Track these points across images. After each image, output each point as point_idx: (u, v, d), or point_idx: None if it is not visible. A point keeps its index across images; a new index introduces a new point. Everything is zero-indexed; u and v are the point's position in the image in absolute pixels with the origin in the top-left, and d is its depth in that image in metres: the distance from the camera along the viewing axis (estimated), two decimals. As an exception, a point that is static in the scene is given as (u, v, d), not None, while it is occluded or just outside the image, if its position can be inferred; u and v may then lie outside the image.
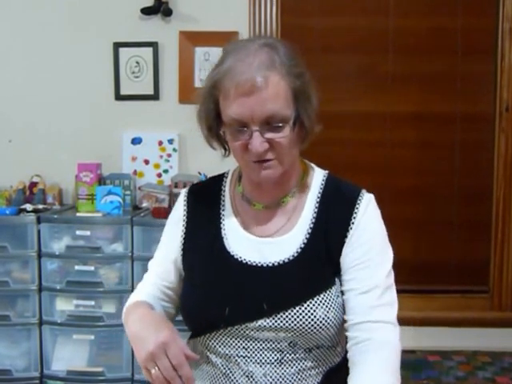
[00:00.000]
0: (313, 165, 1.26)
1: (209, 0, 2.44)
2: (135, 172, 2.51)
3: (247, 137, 1.08)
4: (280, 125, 1.08)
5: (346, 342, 1.14)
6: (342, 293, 1.14)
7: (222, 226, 1.20)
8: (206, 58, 2.42)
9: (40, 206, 2.40)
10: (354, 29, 2.46)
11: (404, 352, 2.45)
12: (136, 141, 2.49)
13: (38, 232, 2.31)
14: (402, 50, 2.47)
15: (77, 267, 2.29)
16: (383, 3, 2.45)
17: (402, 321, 2.47)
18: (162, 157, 2.48)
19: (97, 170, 2.44)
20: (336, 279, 1.14)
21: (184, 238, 1.23)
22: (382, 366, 1.06)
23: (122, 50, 2.48)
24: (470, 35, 2.46)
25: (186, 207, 1.24)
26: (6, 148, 2.55)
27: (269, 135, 1.08)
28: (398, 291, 2.54)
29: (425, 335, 2.52)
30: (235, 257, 1.16)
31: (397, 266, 2.49)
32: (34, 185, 2.49)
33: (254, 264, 1.15)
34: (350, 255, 1.14)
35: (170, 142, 2.45)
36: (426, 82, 2.47)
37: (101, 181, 2.44)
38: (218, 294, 1.14)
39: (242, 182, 1.23)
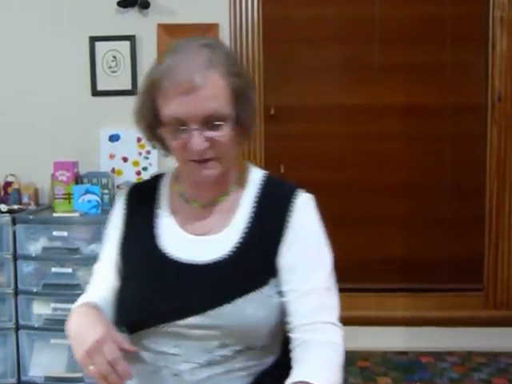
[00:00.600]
0: (250, 164, 1.28)
1: (187, -9, 2.43)
2: (113, 170, 2.48)
3: (187, 136, 1.11)
4: (219, 123, 1.12)
5: (285, 344, 1.16)
6: (281, 294, 1.16)
7: (155, 224, 1.22)
8: (186, 52, 2.42)
9: (15, 207, 2.38)
10: (338, 18, 2.44)
11: (396, 353, 2.46)
12: (114, 138, 2.47)
13: (14, 233, 2.29)
14: (389, 40, 2.45)
15: (54, 269, 2.27)
16: (369, -9, 2.43)
17: (394, 320, 2.48)
18: (140, 154, 2.46)
19: (73, 169, 2.41)
20: (271, 279, 1.16)
21: (122, 238, 1.25)
22: (323, 364, 1.08)
23: (98, 44, 2.46)
24: (460, 23, 2.44)
25: (125, 207, 1.27)
26: None
27: (208, 134, 1.11)
28: (389, 290, 2.53)
29: (417, 335, 2.51)
30: (168, 255, 1.19)
31: (387, 265, 2.51)
32: (8, 184, 2.47)
33: (187, 262, 1.17)
34: (287, 257, 1.16)
35: (150, 138, 2.44)
36: (414, 72, 2.45)
37: (78, 179, 2.41)
38: (150, 293, 1.16)
39: (180, 181, 1.26)
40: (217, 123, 1.12)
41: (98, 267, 1.30)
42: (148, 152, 2.45)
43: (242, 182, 1.24)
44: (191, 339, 1.14)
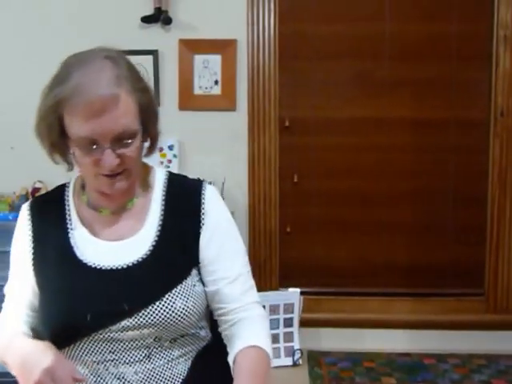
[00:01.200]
0: (150, 164, 1.33)
1: (208, 9, 2.55)
2: (136, 178, 2.63)
3: (98, 153, 1.13)
4: (130, 141, 1.15)
5: (213, 327, 1.29)
6: (206, 283, 1.25)
7: (69, 236, 1.24)
8: (205, 66, 2.55)
9: None
10: (350, 35, 2.56)
11: (400, 355, 2.60)
12: (136, 147, 2.62)
13: (40, 237, 2.47)
14: (398, 56, 2.57)
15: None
16: (379, 9, 2.55)
17: (397, 324, 2.64)
18: (162, 163, 2.59)
19: None
20: (192, 270, 1.23)
21: (33, 255, 1.25)
22: (262, 333, 1.23)
23: None
24: (465, 41, 2.56)
25: (30, 222, 1.28)
26: (8, 155, 2.68)
27: (120, 151, 1.14)
28: (394, 294, 2.68)
29: (420, 338, 2.64)
30: (88, 264, 1.21)
31: (392, 270, 2.67)
32: (36, 190, 2.59)
33: (109, 268, 1.20)
34: (209, 248, 1.24)
35: (171, 148, 2.57)
36: (421, 87, 2.57)
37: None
38: (77, 303, 1.18)
39: (86, 191, 1.28)
40: (127, 141, 1.14)
41: (10, 288, 1.29)
42: (169, 161, 2.59)
43: (147, 183, 1.28)
44: (126, 341, 1.18)
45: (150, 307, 1.17)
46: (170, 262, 1.22)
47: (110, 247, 1.23)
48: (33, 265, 1.25)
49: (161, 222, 1.24)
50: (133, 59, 2.46)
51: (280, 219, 2.61)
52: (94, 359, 1.19)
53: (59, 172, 2.57)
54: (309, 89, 2.60)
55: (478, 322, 2.60)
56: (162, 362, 1.21)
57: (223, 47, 2.52)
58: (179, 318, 1.18)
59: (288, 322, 2.49)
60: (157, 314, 1.17)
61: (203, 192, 1.27)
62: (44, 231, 1.26)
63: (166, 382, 1.21)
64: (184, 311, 1.18)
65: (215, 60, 2.52)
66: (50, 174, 2.58)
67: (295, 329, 2.54)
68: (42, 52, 2.64)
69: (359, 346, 2.66)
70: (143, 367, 1.19)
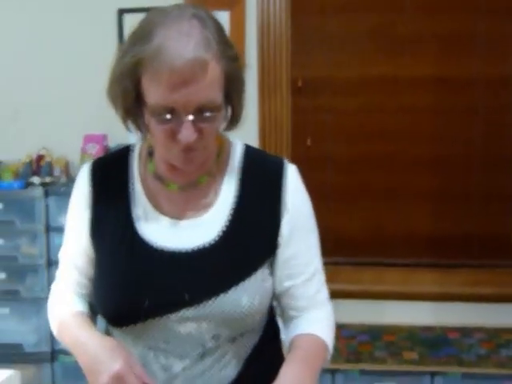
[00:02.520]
0: (228, 137, 1.23)
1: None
2: (142, 143, 2.65)
3: (176, 125, 1.05)
4: (212, 114, 1.06)
5: (270, 323, 1.24)
6: (281, 278, 1.18)
7: (131, 209, 1.17)
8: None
9: (47, 180, 2.56)
10: (367, -15, 2.48)
11: (422, 328, 2.58)
12: (143, 111, 2.63)
13: (46, 206, 2.49)
14: (419, 8, 2.50)
15: (84, 241, 2.47)
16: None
17: (421, 296, 2.61)
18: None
19: (103, 142, 2.58)
20: (265, 262, 1.16)
21: (91, 222, 1.19)
22: (329, 329, 1.19)
23: (127, 17, 2.57)
24: (494, -8, 2.46)
25: (91, 186, 1.20)
26: (11, 121, 2.71)
27: (200, 125, 1.06)
28: (417, 265, 2.65)
29: (444, 311, 2.61)
30: (150, 243, 1.14)
31: (415, 239, 2.63)
32: (40, 158, 2.63)
33: (171, 250, 1.14)
34: (290, 240, 1.16)
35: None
36: (445, 42, 2.50)
37: (107, 152, 2.52)
38: (135, 286, 1.13)
39: (153, 160, 1.20)
40: (210, 114, 1.06)
41: (65, 257, 1.24)
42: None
43: (222, 159, 1.19)
44: (182, 332, 1.13)
45: (213, 299, 1.10)
46: (241, 251, 1.14)
47: (175, 226, 1.15)
48: (90, 234, 1.19)
49: (234, 204, 1.15)
50: (138, 17, 2.57)
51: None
52: (146, 345, 1.15)
53: (64, 139, 2.69)
54: (323, 46, 2.56)
55: (505, 295, 2.56)
56: (213, 363, 1.15)
57: (231, 3, 2.49)
58: (243, 316, 1.11)
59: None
60: (219, 308, 1.10)
61: (285, 173, 1.17)
62: (104, 197, 1.19)
63: (213, 383, 1.17)
64: (249, 308, 1.11)
65: (223, 16, 2.49)
66: (54, 140, 2.73)
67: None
68: (44, 13, 2.65)
69: (379, 319, 2.64)
70: (193, 365, 1.14)
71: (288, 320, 1.22)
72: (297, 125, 2.58)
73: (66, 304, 1.22)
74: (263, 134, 2.56)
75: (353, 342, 2.51)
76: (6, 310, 2.57)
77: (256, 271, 1.13)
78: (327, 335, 1.18)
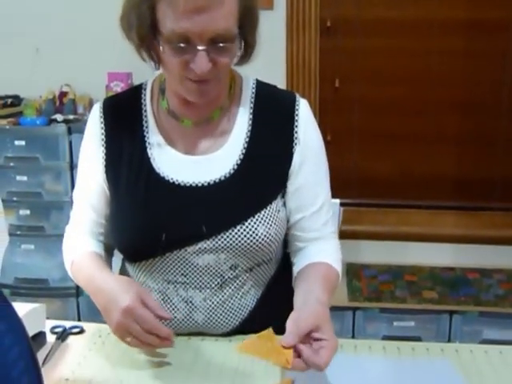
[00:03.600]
0: (239, 72, 1.25)
1: None
2: (166, 80, 2.69)
3: (190, 55, 1.05)
4: (227, 45, 1.06)
5: (286, 253, 1.29)
6: (291, 209, 1.22)
7: (146, 145, 1.19)
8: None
9: (71, 117, 2.60)
10: None
11: (443, 269, 2.70)
12: (167, 48, 2.66)
13: (70, 143, 2.54)
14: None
15: (108, 178, 2.54)
16: None
17: (443, 238, 2.73)
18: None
19: (127, 80, 2.62)
20: (279, 193, 1.20)
21: (106, 160, 1.21)
22: (337, 258, 1.22)
23: None
24: None
25: (103, 125, 1.22)
26: (33, 57, 2.73)
27: (214, 55, 1.06)
28: (440, 207, 2.74)
29: (465, 252, 2.72)
30: (166, 178, 1.17)
31: (439, 182, 2.72)
32: (63, 94, 2.68)
33: (188, 185, 1.17)
34: (300, 172, 1.19)
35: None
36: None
37: None
38: (152, 221, 1.16)
39: (166, 96, 1.21)
40: (224, 45, 1.06)
41: (79, 195, 1.26)
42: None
43: (234, 94, 1.21)
44: (200, 266, 1.17)
45: (230, 231, 1.14)
46: (255, 184, 1.17)
47: (190, 162, 1.18)
48: (105, 172, 1.21)
49: (248, 138, 1.19)
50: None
51: (320, 127, 2.65)
52: (165, 278, 1.20)
53: (88, 77, 2.73)
54: (353, -15, 2.54)
55: (526, 238, 2.65)
56: (233, 292, 1.20)
57: None
58: (260, 245, 1.16)
59: (326, 234, 2.61)
60: (236, 239, 1.14)
61: (297, 108, 1.20)
62: (118, 135, 1.21)
63: (234, 312, 1.22)
64: (266, 238, 1.16)
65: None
66: (77, 77, 2.77)
67: (334, 241, 2.66)
68: None
69: (401, 260, 2.76)
70: (213, 295, 1.19)
71: (296, 251, 1.26)
72: (325, 66, 2.60)
73: (79, 245, 1.23)
74: (291, 74, 2.59)
75: (374, 281, 2.62)
76: (31, 246, 2.68)
77: (271, 202, 1.18)
78: (338, 265, 1.20)
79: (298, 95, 1.23)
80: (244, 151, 1.18)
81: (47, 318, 1.22)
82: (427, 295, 2.51)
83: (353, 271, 2.71)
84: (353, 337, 2.47)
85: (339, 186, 2.64)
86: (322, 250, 1.22)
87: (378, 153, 2.71)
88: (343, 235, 2.65)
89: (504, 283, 2.60)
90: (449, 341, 2.39)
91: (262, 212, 1.16)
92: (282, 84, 2.60)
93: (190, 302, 1.20)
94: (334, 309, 2.40)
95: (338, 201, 2.60)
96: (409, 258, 2.75)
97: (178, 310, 1.21)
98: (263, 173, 1.18)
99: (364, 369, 1.11)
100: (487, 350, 1.17)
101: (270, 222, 1.17)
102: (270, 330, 1.00)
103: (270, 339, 0.99)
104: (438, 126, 2.66)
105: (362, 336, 2.48)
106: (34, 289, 2.67)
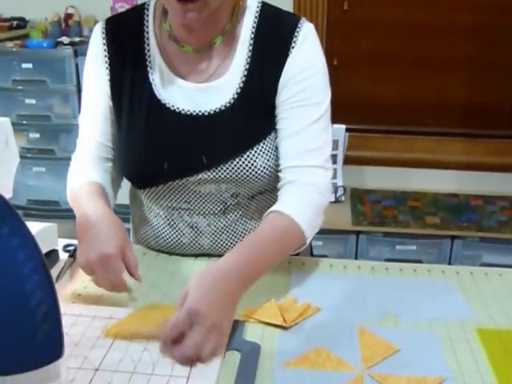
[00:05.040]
0: None
1: None
2: (173, 3, 2.63)
3: None
4: None
5: None
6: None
7: (148, 69, 1.17)
8: None
9: (76, 39, 2.57)
10: None
11: (446, 195, 2.72)
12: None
13: (76, 65, 2.51)
14: None
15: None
16: None
17: (448, 164, 2.72)
18: None
19: (132, 1, 2.57)
20: (274, 122, 1.15)
21: (110, 80, 1.18)
22: (305, 202, 1.10)
23: None
24: None
25: (106, 44, 1.18)
26: None
27: None
28: (447, 134, 2.73)
29: (469, 179, 2.73)
30: (167, 106, 1.15)
31: (444, 108, 2.69)
32: (69, 16, 2.63)
33: (189, 113, 1.14)
34: (285, 91, 1.12)
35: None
36: None
37: None
38: (155, 149, 1.15)
39: (168, 19, 1.16)
40: None
41: (85, 119, 1.21)
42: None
43: (236, 19, 1.16)
44: (202, 193, 1.18)
45: (230, 162, 1.13)
46: (254, 114, 1.14)
47: (191, 89, 1.15)
48: (111, 95, 1.18)
49: (247, 66, 1.14)
50: None
51: (326, 51, 2.58)
52: (170, 205, 1.20)
53: None
54: None
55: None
56: (236, 217, 1.21)
57: None
58: (259, 177, 1.15)
59: (332, 159, 2.60)
60: (236, 171, 1.13)
61: (298, 29, 1.13)
62: (120, 56, 1.17)
63: (239, 236, 1.23)
64: (264, 170, 1.14)
65: None
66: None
67: (339, 166, 2.67)
68: None
69: (405, 186, 2.77)
70: (217, 220, 1.20)
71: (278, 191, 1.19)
72: (333, -13, 2.50)
73: (83, 174, 1.19)
74: (298, -4, 2.50)
75: (378, 206, 2.65)
76: (42, 169, 2.71)
77: (270, 133, 1.15)
78: (297, 212, 1.08)
79: (303, 19, 1.16)
80: (244, 79, 1.14)
81: (59, 238, 1.24)
82: (430, 220, 2.53)
83: (357, 196, 2.72)
84: (356, 260, 2.51)
85: (345, 112, 2.67)
86: (290, 197, 1.12)
87: (385, 77, 2.67)
88: (348, 161, 2.69)
89: (507, 210, 2.61)
90: (449, 265, 2.43)
91: (261, 144, 1.14)
92: (289, 7, 2.54)
93: (195, 227, 1.21)
94: (338, 232, 2.48)
95: (343, 126, 2.61)
96: (413, 183, 2.77)
97: (183, 235, 1.23)
98: (262, 102, 1.14)
99: (366, 286, 1.13)
100: (487, 272, 1.19)
101: (269, 154, 1.15)
102: (272, 301, 1.03)
103: (271, 306, 1.02)
104: (447, 50, 2.61)
105: (364, 259, 2.52)
106: (46, 210, 2.72)
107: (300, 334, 0.97)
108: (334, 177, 2.61)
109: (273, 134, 1.16)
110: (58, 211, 2.69)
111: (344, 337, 0.96)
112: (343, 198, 2.64)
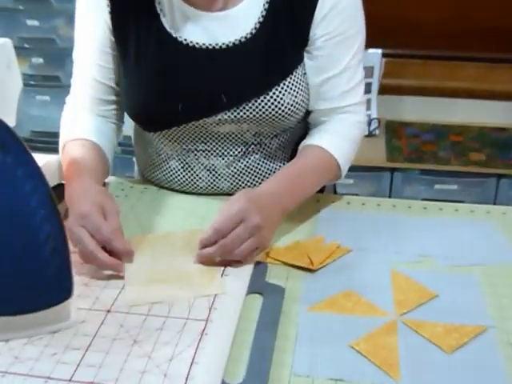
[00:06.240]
0: None
1: None
2: None
3: None
4: None
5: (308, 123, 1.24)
6: (311, 72, 1.15)
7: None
8: None
9: None
10: None
11: (493, 129, 2.67)
12: None
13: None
14: None
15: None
16: None
17: (495, 94, 2.66)
18: None
19: None
20: (304, 55, 1.14)
21: (111, 13, 1.13)
22: (339, 136, 1.17)
23: None
24: None
25: None
26: None
27: None
28: (495, 60, 2.67)
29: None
30: (179, 39, 1.11)
31: (492, 31, 2.62)
32: None
33: (204, 47, 1.11)
34: (322, 25, 1.10)
35: None
36: None
37: None
38: (166, 88, 1.12)
39: None
40: None
41: (81, 54, 1.18)
42: None
43: None
44: (222, 134, 1.17)
45: (253, 101, 1.11)
46: (280, 46, 1.11)
47: (204, 19, 1.11)
48: (112, 27, 1.13)
49: None
50: None
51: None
52: (184, 147, 1.19)
53: None
54: None
55: None
56: (257, 158, 1.21)
57: None
58: (286, 115, 1.13)
59: (366, 88, 2.56)
60: (260, 110, 1.11)
61: None
62: None
63: (261, 177, 1.23)
64: (292, 107, 1.13)
65: None
66: None
67: (373, 96, 2.63)
68: None
69: (446, 118, 2.73)
70: (237, 161, 1.20)
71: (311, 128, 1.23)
72: None
73: (77, 125, 1.17)
74: None
75: (416, 140, 2.62)
76: (46, 98, 2.71)
77: (296, 68, 1.13)
78: (340, 150, 1.15)
79: None
80: (267, 5, 1.10)
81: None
82: (474, 157, 2.51)
83: (393, 129, 2.70)
84: (390, 198, 2.50)
85: (381, 35, 2.60)
86: (326, 131, 1.18)
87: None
88: (384, 90, 2.65)
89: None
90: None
91: (288, 79, 1.12)
92: None
93: (213, 169, 1.21)
94: (371, 169, 2.47)
95: (379, 51, 2.56)
96: (455, 116, 2.72)
97: (200, 178, 1.22)
98: (287, 32, 1.10)
99: (401, 226, 1.13)
100: (537, 213, 1.18)
101: (297, 89, 1.13)
102: (298, 241, 1.05)
103: (296, 248, 1.04)
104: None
105: (399, 198, 2.51)
106: (51, 143, 2.70)
107: (328, 277, 0.98)
108: (368, 108, 2.58)
109: (300, 67, 1.14)
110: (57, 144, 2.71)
111: (376, 280, 0.97)
112: (377, 132, 2.62)
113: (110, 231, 0.93)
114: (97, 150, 1.15)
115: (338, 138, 1.17)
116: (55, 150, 1.20)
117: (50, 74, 2.66)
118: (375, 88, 2.60)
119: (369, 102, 2.59)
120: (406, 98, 2.74)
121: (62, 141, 1.18)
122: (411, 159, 2.49)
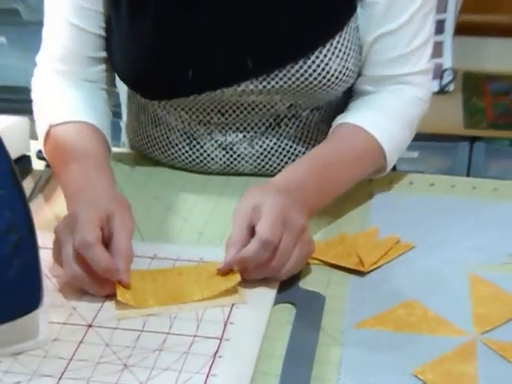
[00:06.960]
0: None
1: None
2: None
3: None
4: None
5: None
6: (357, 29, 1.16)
7: None
8: None
9: None
10: None
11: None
12: None
13: None
14: None
15: None
16: None
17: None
18: None
19: None
20: (356, 9, 1.14)
21: None
22: (393, 114, 1.17)
23: None
24: None
25: None
26: None
27: None
28: None
29: None
30: None
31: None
32: None
33: None
34: None
35: None
36: None
37: None
38: (172, 49, 1.13)
39: None
40: None
41: (56, 7, 1.17)
42: None
43: None
44: (245, 104, 1.18)
45: (289, 67, 1.11)
46: None
47: None
48: None
49: None
50: None
51: None
52: (194, 118, 1.20)
53: None
54: None
55: None
56: (290, 134, 1.23)
57: None
58: (332, 85, 1.14)
59: (437, 27, 2.52)
60: (298, 79, 1.12)
61: None
62: None
63: (292, 156, 1.25)
64: (341, 75, 1.14)
65: None
66: None
67: (448, 37, 2.59)
68: None
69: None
70: (264, 138, 1.22)
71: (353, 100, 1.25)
72: None
73: (62, 101, 1.18)
74: None
75: (505, 99, 2.61)
76: (2, 39, 2.73)
77: (347, 24, 1.14)
78: (387, 133, 1.15)
79: None
80: None
81: (32, 139, 1.25)
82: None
83: (473, 84, 2.68)
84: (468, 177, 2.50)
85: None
86: (371, 108, 1.18)
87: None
88: (460, 30, 2.63)
89: None
90: None
91: (337, 37, 1.12)
92: None
93: (231, 148, 1.23)
94: (443, 138, 2.46)
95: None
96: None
97: (212, 159, 1.25)
98: None
99: (483, 216, 1.13)
100: None
101: (348, 51, 1.14)
102: (344, 234, 1.06)
103: (341, 242, 1.05)
104: None
105: (482, 177, 2.50)
106: (12, 101, 2.73)
107: (382, 282, 0.99)
108: (440, 54, 2.56)
109: (351, 21, 1.14)
110: (27, 102, 2.71)
111: (448, 288, 0.97)
112: (452, 87, 2.60)
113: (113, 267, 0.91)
114: (95, 135, 1.15)
115: (387, 116, 1.16)
116: (18, 110, 1.21)
117: (6, 7, 2.67)
118: (450, 27, 2.57)
119: (440, 45, 2.56)
120: (490, 41, 2.71)
121: (42, 124, 1.17)
122: (498, 125, 2.50)
